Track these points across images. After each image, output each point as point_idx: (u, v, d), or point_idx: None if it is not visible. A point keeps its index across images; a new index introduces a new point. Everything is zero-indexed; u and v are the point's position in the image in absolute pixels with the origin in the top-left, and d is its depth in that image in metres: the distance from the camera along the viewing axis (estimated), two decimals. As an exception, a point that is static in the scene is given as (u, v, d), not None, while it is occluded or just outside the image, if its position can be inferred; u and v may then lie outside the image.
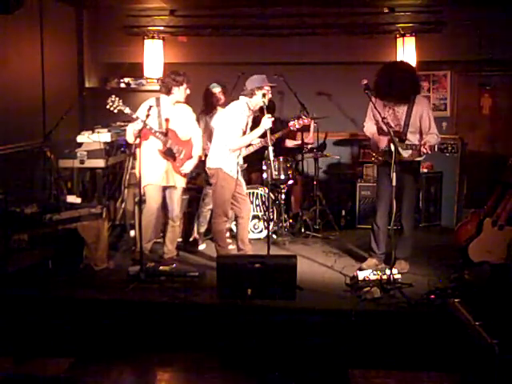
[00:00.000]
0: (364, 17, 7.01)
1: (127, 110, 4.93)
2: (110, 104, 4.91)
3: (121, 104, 4.92)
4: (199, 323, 4.25)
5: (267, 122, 4.88)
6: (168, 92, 5.14)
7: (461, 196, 6.98)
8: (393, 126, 4.92)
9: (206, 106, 5.92)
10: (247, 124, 5.13)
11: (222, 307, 4.41)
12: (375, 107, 4.88)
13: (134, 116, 4.94)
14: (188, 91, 5.23)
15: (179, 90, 5.15)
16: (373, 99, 4.91)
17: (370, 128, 5.13)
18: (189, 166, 5.26)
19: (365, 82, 4.80)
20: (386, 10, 7.00)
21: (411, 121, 4.92)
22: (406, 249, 5.12)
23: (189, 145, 5.26)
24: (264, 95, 4.96)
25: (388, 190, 4.88)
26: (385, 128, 4.83)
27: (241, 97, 5.10)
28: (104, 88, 7.25)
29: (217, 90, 5.88)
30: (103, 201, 5.96)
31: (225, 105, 5.88)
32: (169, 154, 5.13)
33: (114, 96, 4.93)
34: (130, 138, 5.08)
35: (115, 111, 4.94)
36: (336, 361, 3.92)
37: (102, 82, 7.47)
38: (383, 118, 4.78)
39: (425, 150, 4.74)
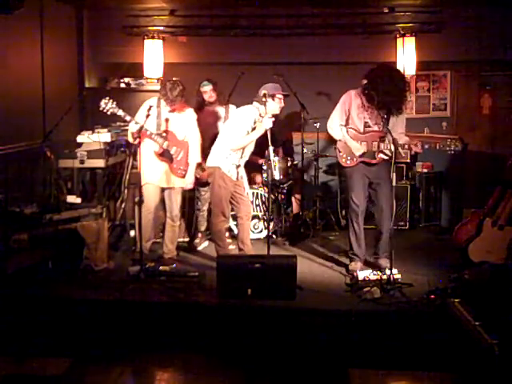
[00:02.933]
0: (364, 17, 7.00)
1: (120, 113, 4.94)
2: (103, 106, 4.93)
3: (113, 106, 4.93)
4: (199, 323, 4.25)
5: (267, 122, 4.90)
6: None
7: (461, 196, 6.97)
8: (371, 125, 4.95)
9: (196, 104, 5.80)
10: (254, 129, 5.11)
11: (221, 307, 4.41)
12: (352, 107, 4.94)
13: (128, 118, 4.96)
14: (168, 108, 5.13)
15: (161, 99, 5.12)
16: (363, 99, 4.91)
17: (340, 132, 5.05)
18: (190, 179, 5.28)
19: (365, 81, 4.81)
20: (386, 10, 7.00)
21: (390, 121, 4.92)
22: (385, 248, 5.09)
23: (187, 145, 5.26)
24: (265, 101, 4.96)
25: (365, 190, 5.03)
26: (362, 129, 4.92)
27: (254, 102, 5.10)
28: (104, 88, 7.24)
29: (207, 88, 5.81)
30: (103, 201, 5.96)
31: (216, 102, 5.85)
32: (166, 155, 5.13)
33: (107, 98, 4.95)
34: (130, 138, 5.09)
35: (108, 113, 4.95)
36: (336, 361, 3.92)
37: (102, 82, 7.46)
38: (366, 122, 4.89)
39: (414, 148, 4.92)
